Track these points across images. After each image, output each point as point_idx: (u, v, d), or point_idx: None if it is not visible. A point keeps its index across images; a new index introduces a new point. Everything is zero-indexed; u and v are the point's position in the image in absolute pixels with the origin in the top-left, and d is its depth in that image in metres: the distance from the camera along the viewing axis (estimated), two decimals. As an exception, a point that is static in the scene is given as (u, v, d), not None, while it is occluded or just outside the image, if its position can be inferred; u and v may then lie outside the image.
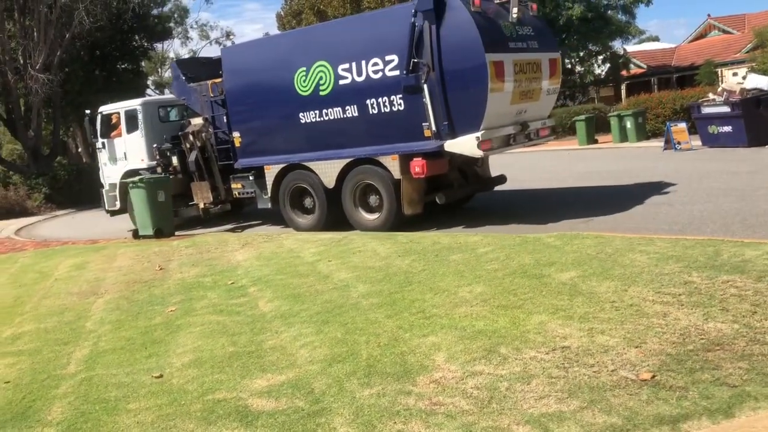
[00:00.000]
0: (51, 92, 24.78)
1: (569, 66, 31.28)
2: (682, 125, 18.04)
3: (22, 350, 6.11)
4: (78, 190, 24.26)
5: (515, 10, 9.95)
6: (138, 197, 12.46)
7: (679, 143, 17.63)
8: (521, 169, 17.41)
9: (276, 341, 5.42)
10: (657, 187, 11.65)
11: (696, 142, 17.59)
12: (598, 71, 31.99)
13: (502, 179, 12.05)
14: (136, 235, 12.82)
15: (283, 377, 4.61)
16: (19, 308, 7.89)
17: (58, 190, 24.63)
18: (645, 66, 36.54)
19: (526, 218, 10.22)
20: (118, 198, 14.78)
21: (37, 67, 23.93)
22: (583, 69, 31.07)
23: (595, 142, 23.14)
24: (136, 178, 12.62)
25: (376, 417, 3.82)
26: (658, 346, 4.29)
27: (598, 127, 24.35)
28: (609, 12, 29.00)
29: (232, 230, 13.35)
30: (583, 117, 23.45)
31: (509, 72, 9.56)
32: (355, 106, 10.42)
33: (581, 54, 30.31)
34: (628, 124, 21.49)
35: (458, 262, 7.24)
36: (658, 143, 19.27)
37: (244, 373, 4.79)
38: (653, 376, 3.87)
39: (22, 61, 25.03)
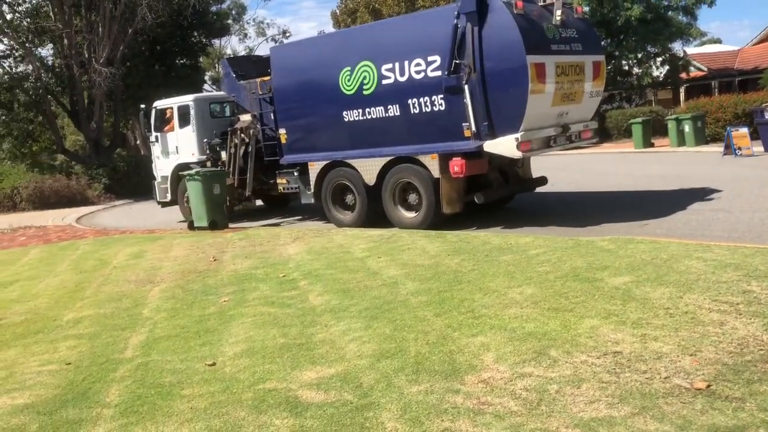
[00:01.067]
0: (113, 86, 25.58)
1: (626, 68, 30.61)
2: (744, 130, 17.48)
3: (82, 334, 6.35)
4: (136, 181, 24.98)
5: (559, 12, 9.94)
6: (194, 190, 12.76)
7: (739, 149, 17.09)
8: (573, 171, 17.19)
9: (325, 335, 5.50)
10: (715, 193, 11.34)
11: (758, 147, 17.03)
12: (656, 73, 31.19)
13: (543, 181, 11.99)
14: (191, 226, 13.13)
15: (332, 370, 4.67)
16: (79, 293, 8.18)
17: (117, 181, 25.43)
18: (706, 69, 35.46)
19: (571, 221, 10.08)
20: (169, 190, 15.21)
21: (100, 61, 24.75)
22: (641, 71, 30.33)
23: (652, 145, 22.64)
24: (193, 171, 12.92)
25: (424, 414, 3.85)
26: (713, 355, 4.20)
27: (655, 130, 23.81)
28: (669, 13, 28.22)
29: (276, 225, 13.55)
30: (639, 120, 22.96)
31: (551, 74, 9.55)
32: (397, 106, 10.54)
33: (639, 56, 29.60)
34: (687, 128, 20.94)
35: (509, 262, 7.20)
36: (717, 148, 18.73)
37: (294, 364, 4.88)
38: (708, 386, 3.79)
39: (86, 55, 25.92)
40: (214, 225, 12.69)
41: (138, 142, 37.93)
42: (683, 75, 32.16)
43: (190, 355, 5.36)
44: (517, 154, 9.69)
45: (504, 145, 9.59)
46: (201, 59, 35.24)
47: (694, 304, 5.18)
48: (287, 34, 46.55)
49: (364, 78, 10.84)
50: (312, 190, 12.17)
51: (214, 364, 5.08)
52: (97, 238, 13.78)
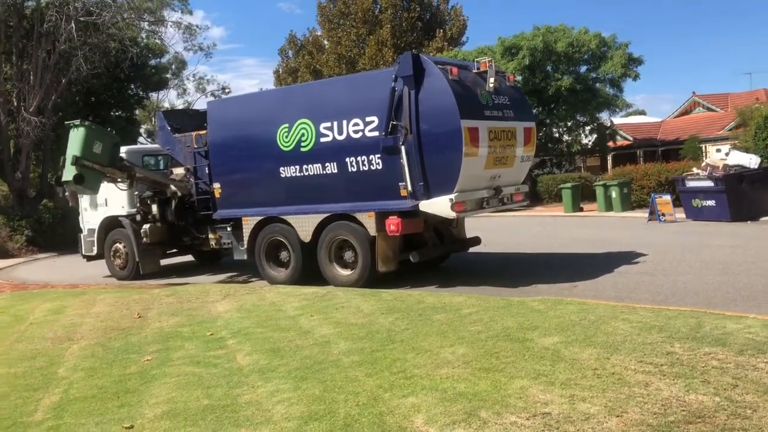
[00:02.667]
0: (42, 135, 24.85)
1: (557, 135, 31.86)
2: (667, 197, 18.31)
3: (-11, 395, 5.93)
4: (61, 233, 24.00)
5: (492, 80, 10.33)
6: None
7: (663, 215, 17.86)
8: (506, 233, 17.54)
9: (252, 396, 5.30)
10: (640, 257, 11.74)
11: (680, 214, 17.83)
12: (585, 141, 32.59)
13: (476, 241, 12.20)
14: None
15: (258, 433, 4.49)
16: (-10, 351, 7.69)
17: (41, 233, 24.38)
18: (631, 138, 37.30)
19: (503, 281, 10.24)
20: (96, 243, 14.69)
21: (30, 110, 24.05)
22: (570, 138, 31.64)
23: (581, 210, 23.41)
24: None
25: (351, 478, 3.71)
26: (639, 416, 4.24)
27: (583, 195, 24.68)
28: (597, 84, 29.75)
29: (206, 281, 13.24)
30: (569, 185, 23.79)
31: (484, 138, 9.84)
32: (334, 163, 10.61)
33: (569, 124, 30.93)
34: (614, 194, 21.79)
35: (442, 321, 7.19)
36: (642, 214, 19.51)
37: (217, 427, 4.67)
38: (634, 447, 3.81)
39: (15, 104, 25.17)
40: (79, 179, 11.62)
41: (66, 194, 36.70)
42: (610, 143, 33.73)
43: (106, 418, 5.06)
44: (451, 214, 9.83)
45: (439, 205, 9.73)
46: (137, 112, 34.82)
47: (620, 365, 5.25)
48: (227, 90, 46.73)
49: (302, 135, 10.88)
50: (245, 246, 11.96)
51: (131, 427, 4.81)
52: (15, 292, 13.10)
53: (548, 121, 29.81)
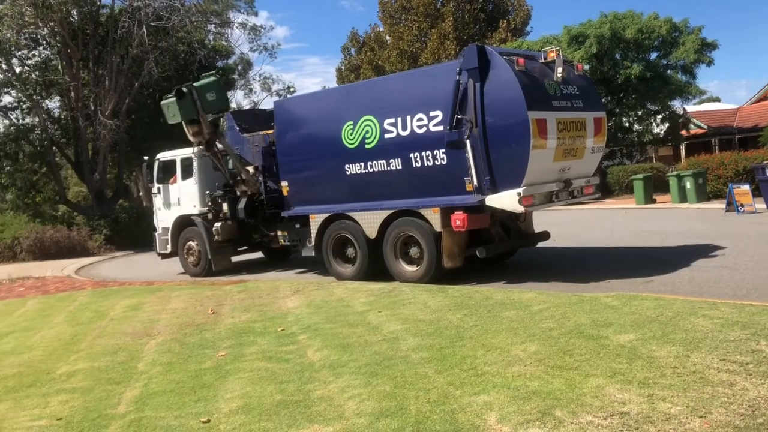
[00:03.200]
0: (117, 138, 25.87)
1: (627, 124, 30.93)
2: (746, 187, 17.52)
3: (75, 388, 6.20)
4: (137, 232, 24.92)
5: (560, 69, 10.07)
6: None
7: (742, 205, 17.09)
8: (575, 226, 17.15)
9: (324, 391, 5.36)
10: (719, 250, 11.27)
11: (760, 204, 17.02)
12: (656, 130, 31.51)
13: (545, 235, 11.94)
14: None
15: (330, 429, 4.53)
16: (74, 346, 8.04)
17: (118, 232, 25.39)
18: (705, 126, 35.83)
19: (573, 277, 9.98)
20: (169, 241, 15.15)
21: (106, 114, 25.06)
22: (641, 128, 30.66)
23: (653, 201, 22.68)
24: None
25: (425, 476, 3.70)
26: (724, 417, 4.07)
27: (656, 186, 23.89)
28: (669, 72, 28.70)
29: (276, 278, 13.45)
30: (641, 176, 23.06)
31: (552, 129, 9.60)
32: (398, 159, 10.58)
33: (639, 113, 29.96)
34: (688, 185, 21.00)
35: (511, 318, 7.08)
36: (719, 205, 18.74)
37: (291, 422, 4.73)
38: (720, 450, 3.65)
39: (92, 108, 26.26)
40: None
41: (141, 193, 38.07)
42: (683, 132, 32.49)
43: (184, 411, 5.21)
44: (519, 209, 9.67)
45: (506, 200, 9.58)
46: (206, 113, 35.66)
47: (702, 363, 5.05)
48: (291, 90, 47.21)
49: (367, 132, 10.92)
50: (313, 243, 12.12)
51: (208, 421, 4.93)
52: (96, 289, 13.66)
53: (617, 110, 28.96)
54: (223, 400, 5.40)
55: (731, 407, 4.21)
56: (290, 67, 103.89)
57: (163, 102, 13.85)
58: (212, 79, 13.91)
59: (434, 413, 4.59)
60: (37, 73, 27.24)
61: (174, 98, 13.32)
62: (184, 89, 13.34)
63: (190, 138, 13.96)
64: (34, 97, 26.37)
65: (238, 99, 75.36)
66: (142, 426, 4.97)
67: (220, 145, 13.88)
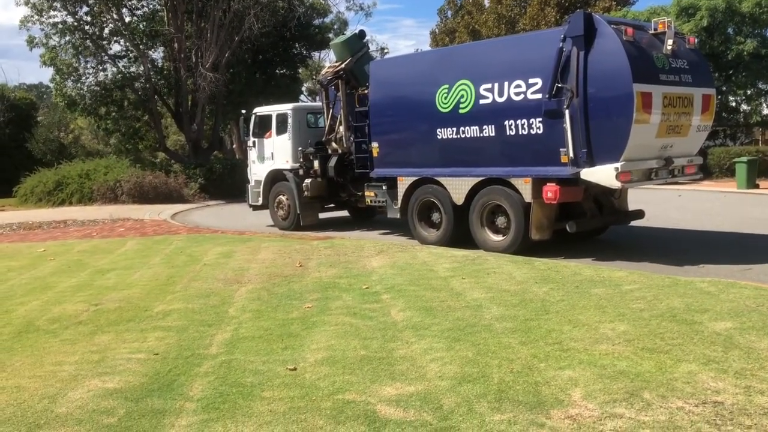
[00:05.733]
0: (216, 90, 26.60)
1: (734, 104, 29.23)
2: None
3: (170, 326, 6.53)
4: (230, 183, 25.79)
5: (670, 41, 9.55)
6: None
7: None
8: (671, 207, 16.47)
9: (406, 351, 5.43)
10: (830, 243, 10.58)
11: None
12: (765, 112, 29.67)
13: (639, 214, 11.52)
14: None
15: (412, 388, 4.60)
16: (170, 287, 8.46)
17: (212, 182, 26.35)
18: (821, 110, 33.39)
19: (666, 259, 9.60)
20: (261, 194, 15.58)
21: (206, 66, 25.79)
22: (749, 108, 28.92)
23: (756, 187, 21.43)
24: None
25: (506, 444, 3.71)
26: (828, 418, 3.87)
27: (761, 171, 22.55)
28: (787, 49, 26.83)
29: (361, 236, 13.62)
30: (744, 159, 21.80)
31: (657, 104, 9.19)
32: (492, 126, 10.41)
33: (749, 92, 28.23)
34: (797, 171, 19.72)
35: (600, 296, 6.93)
36: (832, 195, 17.53)
37: (374, 378, 4.83)
38: (822, 450, 3.48)
39: (194, 60, 27.07)
40: None
41: (234, 146, 39.25)
42: (796, 115, 30.43)
43: (272, 358, 5.41)
44: (615, 185, 9.36)
45: (602, 174, 9.29)
46: (300, 70, 36.15)
47: (805, 359, 4.80)
48: (385, 51, 47.16)
49: (462, 97, 10.78)
50: (399, 205, 12.18)
51: (295, 369, 5.10)
52: (190, 235, 14.27)
53: (725, 88, 27.36)
54: (308, 350, 5.56)
55: (836, 408, 4.00)
56: (384, 28, 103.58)
57: (343, 35, 15.37)
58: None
59: (517, 383, 4.58)
60: (144, 23, 28.28)
61: (355, 34, 14.51)
62: (366, 38, 14.62)
63: (327, 68, 14.82)
64: (141, 46, 27.42)
65: (332, 58, 75.94)
66: (232, 368, 5.20)
67: (338, 93, 14.07)
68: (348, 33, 14.95)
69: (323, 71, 14.69)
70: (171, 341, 6.02)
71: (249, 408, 4.39)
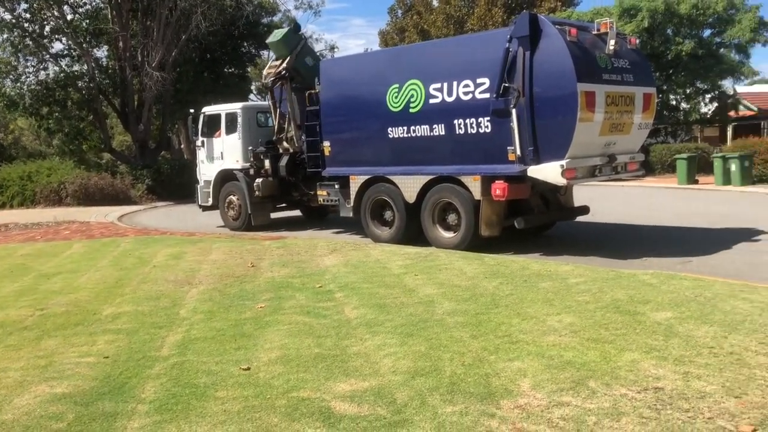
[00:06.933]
0: (163, 89, 26.12)
1: (674, 102, 30.21)
2: (795, 173, 17.08)
3: (120, 329, 6.44)
4: (178, 183, 25.40)
5: (612, 42, 9.87)
6: None
7: (789, 191, 16.69)
8: (615, 203, 16.97)
9: (360, 348, 5.49)
10: (762, 235, 11.07)
11: (809, 191, 16.60)
12: (704, 110, 30.74)
13: (585, 210, 11.88)
14: None
15: (366, 384, 4.66)
16: (119, 289, 8.31)
17: (160, 183, 25.89)
18: (756, 108, 34.76)
19: (611, 253, 9.93)
20: (211, 195, 15.43)
21: (153, 65, 25.31)
22: (688, 106, 29.93)
23: (696, 182, 22.23)
24: None
25: (458, 434, 3.81)
26: (760, 399, 4.08)
27: (699, 167, 23.40)
28: (722, 50, 27.86)
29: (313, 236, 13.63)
30: (684, 155, 22.59)
31: (600, 103, 9.47)
32: (442, 125, 10.57)
33: (688, 91, 29.23)
34: (733, 167, 20.54)
35: (547, 289, 7.12)
36: (764, 189, 18.35)
37: (328, 375, 4.88)
38: (754, 430, 3.68)
39: (140, 59, 26.54)
40: None
41: (182, 146, 38.64)
42: (732, 113, 31.60)
43: (225, 358, 5.39)
44: (561, 181, 9.61)
45: (548, 172, 9.53)
46: (249, 69, 35.82)
47: (739, 345, 5.05)
48: (335, 50, 47.14)
49: (412, 96, 10.90)
50: (352, 204, 12.24)
51: (248, 368, 5.10)
52: (138, 237, 14.02)
53: (665, 87, 28.27)
54: (262, 349, 5.57)
55: None
56: (334, 27, 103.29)
57: (278, 30, 14.61)
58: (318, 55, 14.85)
59: (468, 376, 4.69)
60: (87, 21, 27.55)
61: (290, 29, 14.17)
62: (302, 31, 14.30)
63: (266, 70, 14.47)
64: (84, 45, 26.73)
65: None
66: (184, 369, 5.16)
67: (284, 95, 14.01)
68: (285, 27, 14.66)
69: (265, 72, 14.45)
70: (121, 344, 5.93)
71: (202, 408, 4.38)
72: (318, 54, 14.55)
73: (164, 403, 4.50)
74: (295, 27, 14.20)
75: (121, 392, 4.74)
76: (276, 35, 14.11)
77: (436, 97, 10.59)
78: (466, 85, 10.22)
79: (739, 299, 6.37)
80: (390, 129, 11.28)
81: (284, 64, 13.74)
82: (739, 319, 5.69)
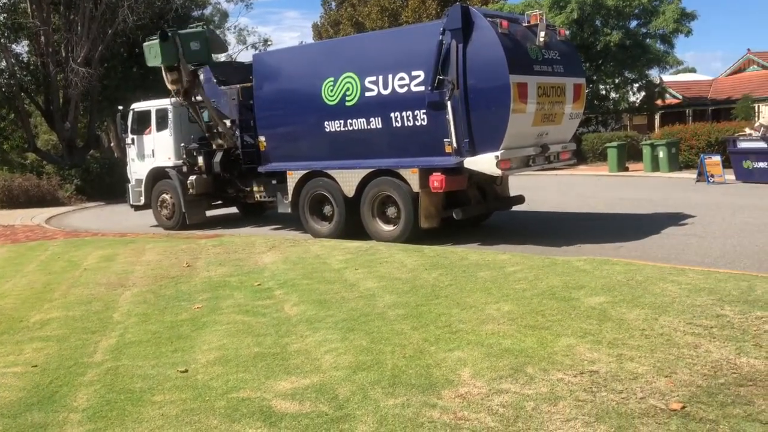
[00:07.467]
0: (89, 86, 25.23)
1: (604, 92, 31.10)
2: (717, 158, 17.86)
3: (50, 336, 6.19)
4: (108, 183, 24.59)
5: (542, 34, 10.06)
6: None
7: (712, 176, 17.44)
8: (549, 192, 17.36)
9: (301, 345, 5.43)
10: (689, 219, 11.53)
11: (730, 176, 17.38)
12: (632, 99, 31.76)
13: (520, 199, 12.12)
14: None
15: (308, 381, 4.62)
16: (48, 295, 8.00)
17: (90, 183, 25.00)
18: (680, 97, 36.18)
19: (546, 240, 10.18)
20: (143, 193, 15.01)
21: (78, 61, 24.40)
22: (617, 96, 30.86)
23: (626, 169, 22.99)
24: None
25: (400, 427, 3.81)
26: (688, 377, 4.24)
27: (629, 155, 24.20)
28: (647, 40, 28.82)
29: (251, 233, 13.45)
30: (615, 144, 23.32)
31: (532, 94, 9.66)
32: (379, 118, 10.57)
33: (617, 81, 30.15)
34: (661, 154, 21.32)
35: (486, 279, 7.21)
36: (690, 175, 19.09)
37: (268, 374, 4.81)
38: (683, 407, 3.81)
39: (64, 54, 25.54)
40: None
41: (112, 144, 37.47)
42: (659, 102, 32.78)
43: (161, 361, 5.25)
44: (496, 172, 9.76)
45: (484, 163, 9.65)
46: (180, 64, 34.98)
47: (669, 326, 5.23)
48: (269, 43, 46.46)
49: (347, 89, 10.84)
50: (289, 200, 12.11)
51: (186, 371, 4.98)
52: (68, 239, 13.52)
53: (595, 77, 29.08)
54: (200, 351, 5.45)
55: (695, 368, 4.38)
56: (267, 20, 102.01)
57: (146, 43, 13.58)
58: (199, 29, 13.71)
59: (410, 368, 4.70)
60: (4, 15, 26.32)
61: (157, 40, 13.03)
62: (169, 33, 13.09)
63: (168, 86, 13.66)
64: (2, 40, 25.54)
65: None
66: (119, 374, 5.00)
67: (198, 97, 13.65)
68: (153, 39, 13.21)
69: (171, 88, 13.64)
70: (51, 351, 5.70)
71: (139, 414, 4.25)
72: (201, 30, 13.69)
73: (98, 410, 4.35)
74: (162, 35, 13.03)
75: (51, 402, 4.55)
76: (152, 55, 13.28)
77: (372, 90, 10.57)
78: (402, 78, 10.23)
79: (668, 282, 6.60)
80: (326, 123, 11.21)
81: (185, 77, 13.27)
82: (668, 301, 5.90)
